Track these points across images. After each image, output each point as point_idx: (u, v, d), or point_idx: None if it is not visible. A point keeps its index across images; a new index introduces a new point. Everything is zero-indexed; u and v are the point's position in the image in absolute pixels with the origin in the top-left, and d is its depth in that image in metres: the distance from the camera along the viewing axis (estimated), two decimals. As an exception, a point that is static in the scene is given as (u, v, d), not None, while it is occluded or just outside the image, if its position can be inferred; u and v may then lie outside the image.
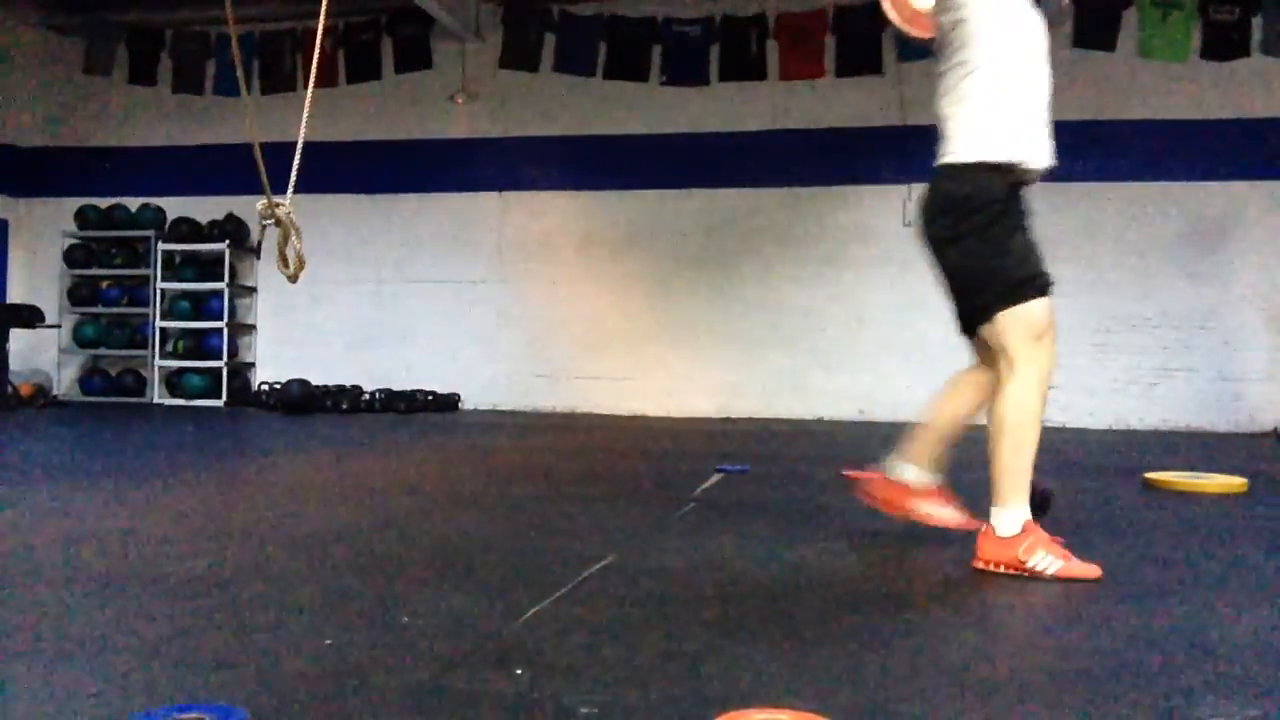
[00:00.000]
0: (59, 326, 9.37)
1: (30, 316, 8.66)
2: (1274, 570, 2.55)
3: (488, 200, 8.99)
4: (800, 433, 6.93)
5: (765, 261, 8.44)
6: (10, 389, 8.37)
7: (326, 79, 8.70)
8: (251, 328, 9.48)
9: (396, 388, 8.66)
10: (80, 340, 9.47)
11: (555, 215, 8.89)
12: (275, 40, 9.11)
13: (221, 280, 9.10)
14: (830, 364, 8.30)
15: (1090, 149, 7.62)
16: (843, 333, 8.30)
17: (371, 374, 8.87)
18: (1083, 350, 7.72)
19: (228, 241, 9.06)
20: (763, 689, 1.53)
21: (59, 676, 1.58)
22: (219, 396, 8.98)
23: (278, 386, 8.54)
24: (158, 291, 9.33)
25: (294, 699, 1.46)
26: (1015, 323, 2.39)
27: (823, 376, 8.30)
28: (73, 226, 9.48)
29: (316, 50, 2.55)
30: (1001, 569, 2.35)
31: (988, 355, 2.55)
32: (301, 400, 8.22)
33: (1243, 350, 7.73)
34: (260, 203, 2.24)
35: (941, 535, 2.71)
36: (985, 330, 2.46)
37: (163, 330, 9.34)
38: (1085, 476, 4.48)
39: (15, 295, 9.58)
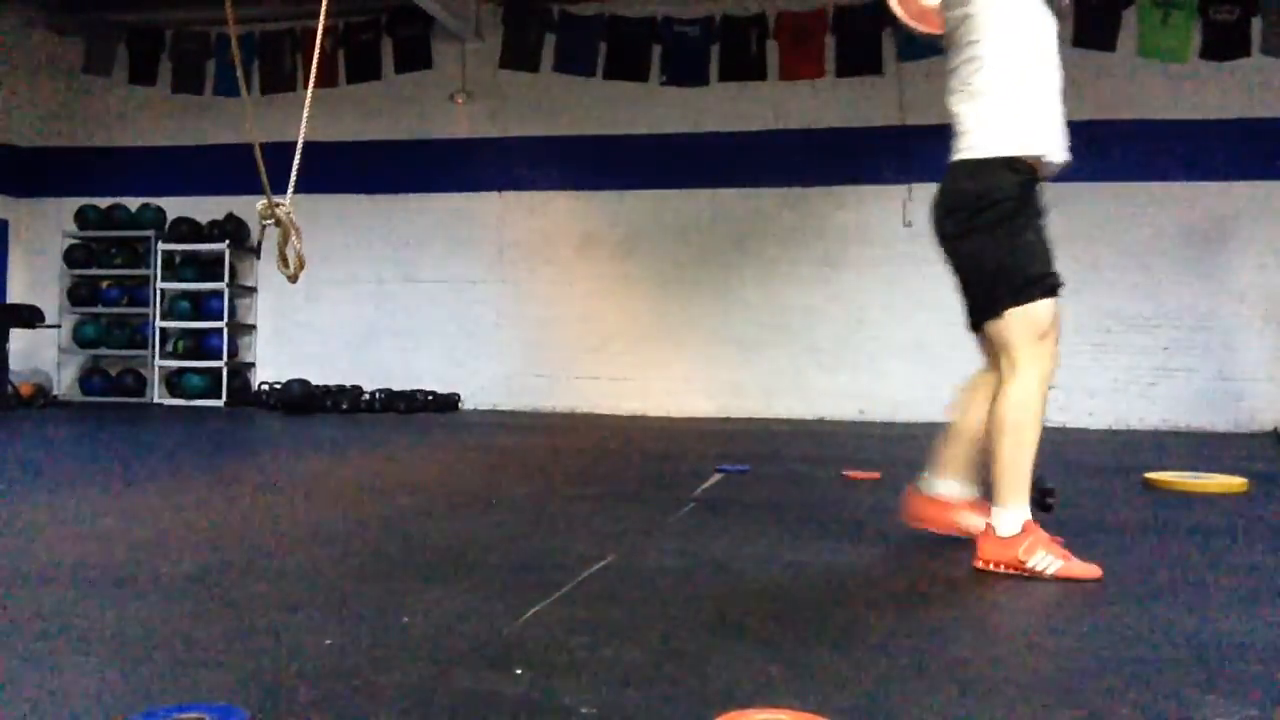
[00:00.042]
0: (59, 326, 9.36)
1: (30, 316, 8.66)
2: (1274, 570, 2.55)
3: (488, 200, 8.99)
4: (800, 433, 6.92)
5: (765, 261, 8.43)
6: (10, 389, 8.37)
7: (326, 79, 8.70)
8: (251, 328, 9.48)
9: (396, 388, 8.66)
10: (80, 340, 9.46)
11: (555, 215, 8.89)
12: (275, 40, 9.11)
13: (221, 280, 9.09)
14: (830, 364, 8.29)
15: (1090, 149, 7.53)
16: (842, 332, 8.29)
17: (371, 374, 8.87)
18: (1083, 350, 7.70)
19: (228, 241, 9.06)
20: (763, 689, 1.53)
21: (59, 676, 1.58)
22: (219, 396, 8.97)
23: (278, 386, 8.54)
24: (158, 291, 9.33)
25: (294, 699, 1.46)
26: (1020, 322, 2.39)
27: (822, 376, 8.30)
28: (73, 226, 9.48)
29: (316, 50, 2.55)
30: (1001, 569, 2.35)
31: (995, 353, 2.54)
32: (301, 400, 8.22)
33: (1243, 350, 7.72)
34: (260, 203, 2.24)
35: (941, 536, 2.71)
36: (990, 327, 2.46)
37: (163, 330, 9.34)
38: (1085, 476, 4.47)
39: (15, 295, 9.57)
